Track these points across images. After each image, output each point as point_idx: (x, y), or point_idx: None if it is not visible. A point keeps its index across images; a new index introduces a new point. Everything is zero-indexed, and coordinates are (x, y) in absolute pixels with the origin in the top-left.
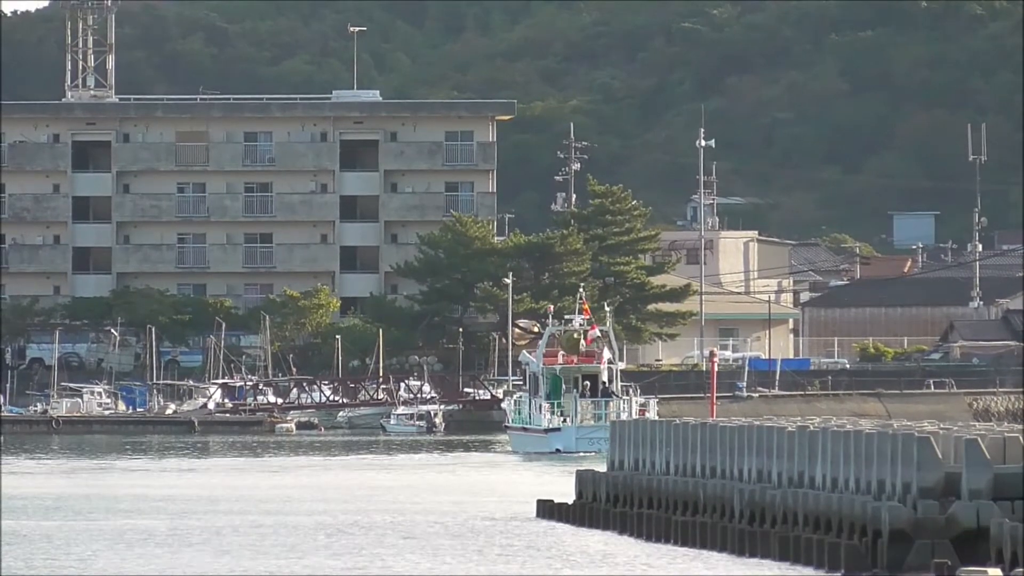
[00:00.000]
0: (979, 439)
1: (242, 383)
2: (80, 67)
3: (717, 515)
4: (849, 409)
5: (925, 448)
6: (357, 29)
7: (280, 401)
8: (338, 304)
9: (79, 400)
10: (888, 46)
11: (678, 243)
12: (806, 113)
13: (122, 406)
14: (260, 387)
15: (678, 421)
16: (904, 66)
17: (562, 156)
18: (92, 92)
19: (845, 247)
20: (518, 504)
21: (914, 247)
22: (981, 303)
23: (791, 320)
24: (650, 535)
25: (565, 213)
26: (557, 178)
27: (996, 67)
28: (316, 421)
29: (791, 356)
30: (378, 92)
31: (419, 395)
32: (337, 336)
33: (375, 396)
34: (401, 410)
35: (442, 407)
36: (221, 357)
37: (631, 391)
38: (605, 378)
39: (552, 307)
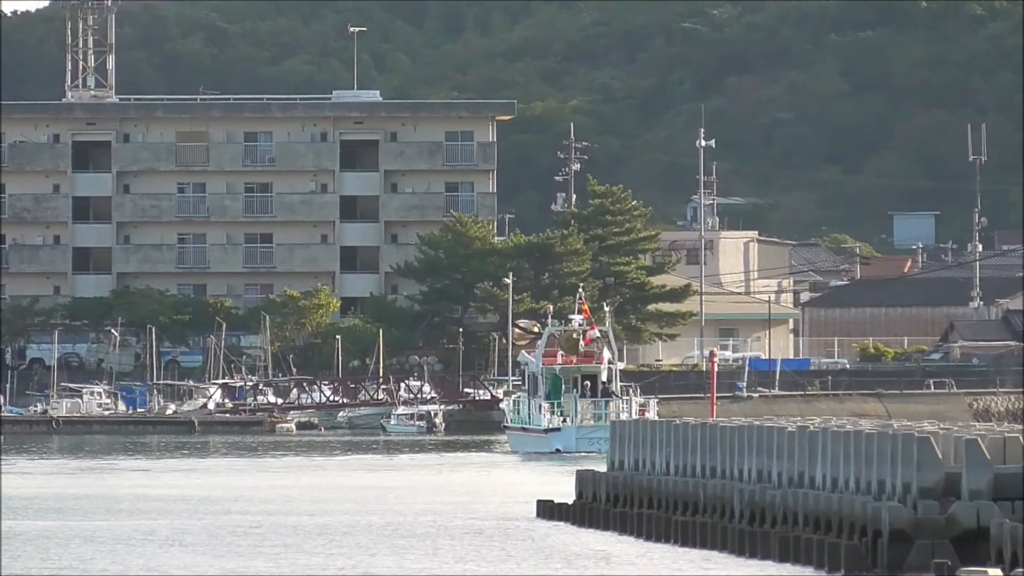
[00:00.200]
0: (979, 439)
1: (242, 383)
2: (80, 67)
3: (717, 515)
4: (849, 409)
5: (925, 448)
6: (357, 29)
7: (280, 401)
8: (338, 304)
9: (79, 400)
10: (888, 46)
11: (678, 243)
12: (806, 113)
13: (122, 406)
14: (260, 387)
15: (678, 421)
16: (904, 66)
17: (562, 156)
18: (92, 92)
19: (845, 247)
20: (518, 504)
21: (914, 247)
22: (981, 303)
23: (791, 320)
24: (650, 535)
25: (565, 213)
26: (557, 178)
27: (996, 67)
28: (316, 421)
29: (791, 356)
30: (378, 92)
31: (419, 395)
32: (337, 336)
33: (375, 396)
34: (401, 410)
35: (442, 407)
36: (221, 357)
37: (631, 391)
38: (604, 378)
39: (551, 307)
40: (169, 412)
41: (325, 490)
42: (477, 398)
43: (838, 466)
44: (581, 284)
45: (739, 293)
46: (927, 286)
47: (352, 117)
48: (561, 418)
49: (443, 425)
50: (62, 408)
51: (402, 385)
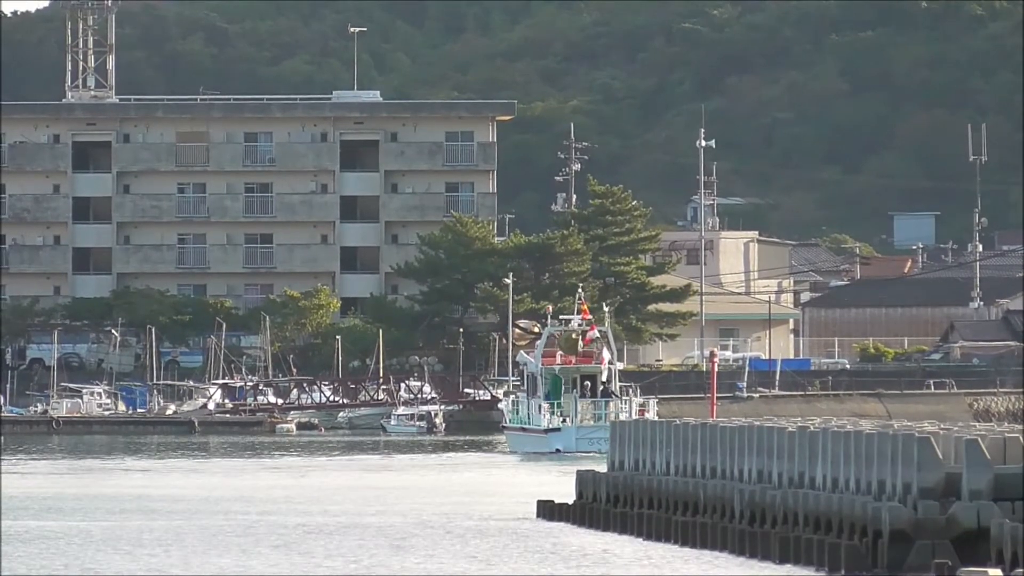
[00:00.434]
0: (979, 439)
1: (242, 383)
2: (80, 67)
3: (717, 515)
4: (849, 409)
5: (925, 448)
6: (357, 29)
7: (280, 401)
8: (338, 304)
9: (79, 400)
10: (888, 46)
11: (678, 243)
12: (806, 113)
13: (122, 406)
14: (260, 387)
15: (678, 421)
16: (904, 66)
17: (562, 156)
18: (92, 92)
19: (845, 247)
20: (518, 504)
21: (914, 247)
22: (981, 303)
23: (791, 320)
24: (650, 535)
25: (565, 213)
26: (557, 178)
27: (996, 67)
28: (316, 421)
29: (791, 356)
30: (378, 92)
31: (419, 395)
32: (337, 336)
33: (375, 396)
34: (401, 410)
35: (442, 407)
36: (221, 357)
37: (630, 391)
38: (604, 378)
39: (551, 307)
40: (169, 412)
41: (325, 490)
42: (477, 398)
43: (838, 466)
44: (581, 284)
45: (739, 293)
46: (927, 286)
47: (352, 117)
48: (561, 418)
49: (443, 425)
50: (62, 408)
51: (402, 385)
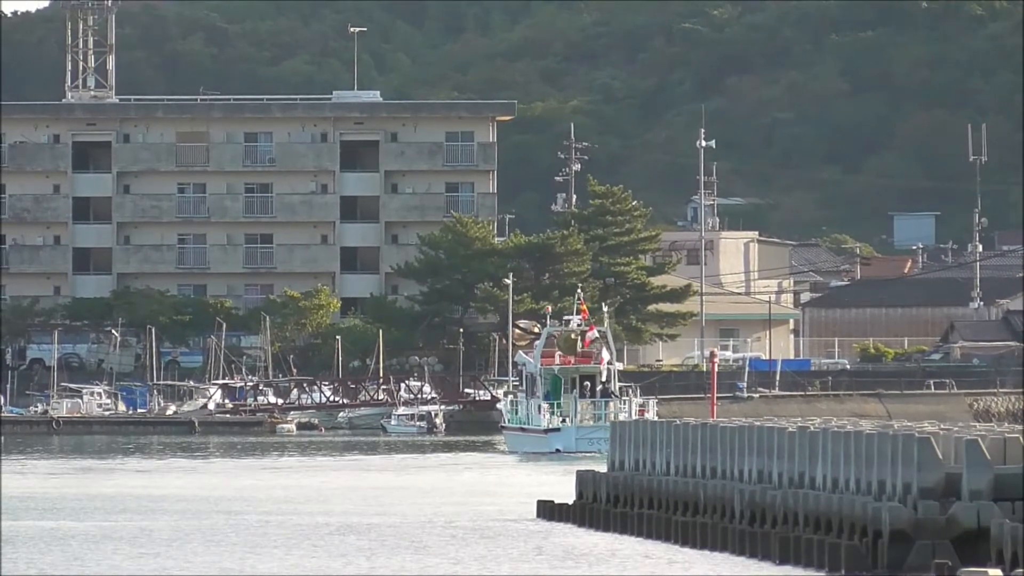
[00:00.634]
0: (979, 440)
1: (242, 384)
2: (80, 67)
3: (718, 516)
4: (849, 410)
5: (925, 449)
6: (357, 29)
7: (280, 402)
8: (338, 305)
9: (79, 401)
10: (888, 46)
11: (678, 243)
12: (806, 113)
13: (122, 407)
14: (260, 388)
15: (678, 421)
16: (904, 66)
17: (562, 156)
18: (92, 92)
19: (845, 247)
20: (518, 505)
21: (914, 247)
22: (981, 304)
23: (791, 320)
24: (650, 535)
25: (565, 213)
26: (557, 178)
27: (996, 67)
28: (316, 422)
29: (791, 356)
30: (378, 92)
31: (419, 396)
32: (337, 337)
33: (375, 397)
34: (401, 411)
35: (443, 408)
36: (221, 358)
37: (630, 391)
38: (603, 378)
39: (551, 308)
40: (169, 412)
41: (325, 491)
42: (477, 398)
43: (838, 466)
44: (580, 285)
45: (739, 293)
46: (927, 286)
47: (352, 117)
48: (560, 418)
49: (443, 426)
50: (62, 408)
51: (402, 385)
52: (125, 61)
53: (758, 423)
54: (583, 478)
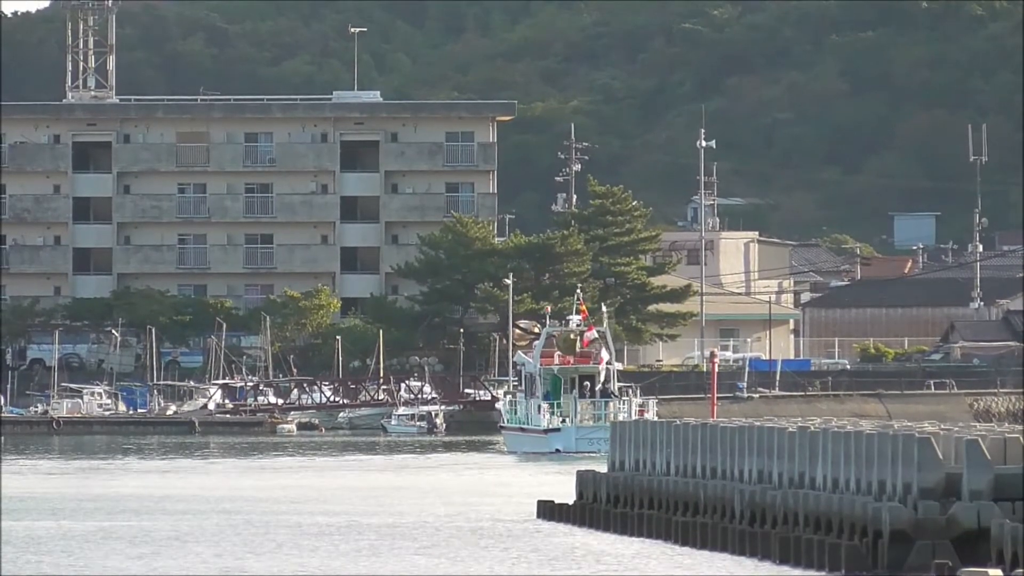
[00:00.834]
0: (980, 440)
1: (243, 384)
2: (81, 68)
3: (718, 516)
4: (850, 410)
5: (926, 449)
6: (357, 30)
7: (281, 402)
8: (339, 305)
9: (79, 401)
10: (888, 46)
11: (679, 244)
12: (806, 113)
13: (122, 407)
14: (261, 388)
15: (679, 422)
16: (904, 66)
17: (562, 156)
18: (92, 93)
19: (846, 248)
20: (519, 505)
21: (915, 248)
22: (982, 304)
23: (792, 321)
24: (650, 535)
25: (565, 214)
26: (557, 179)
27: (996, 67)
28: (317, 422)
29: (792, 357)
30: (379, 93)
31: (420, 396)
32: (338, 337)
33: (376, 397)
34: (402, 411)
35: (443, 408)
36: (222, 358)
37: (629, 391)
38: (603, 378)
39: (550, 308)
40: (169, 413)
41: (325, 490)
42: (477, 399)
43: (839, 467)
44: (580, 285)
45: (739, 294)
46: (927, 286)
47: (352, 118)
48: (560, 418)
49: (444, 426)
50: (62, 408)
51: (402, 386)
52: (125, 61)
53: (758, 423)
54: (583, 478)
